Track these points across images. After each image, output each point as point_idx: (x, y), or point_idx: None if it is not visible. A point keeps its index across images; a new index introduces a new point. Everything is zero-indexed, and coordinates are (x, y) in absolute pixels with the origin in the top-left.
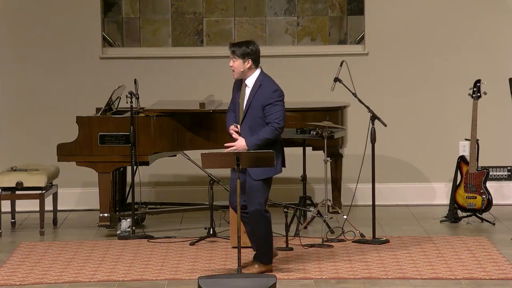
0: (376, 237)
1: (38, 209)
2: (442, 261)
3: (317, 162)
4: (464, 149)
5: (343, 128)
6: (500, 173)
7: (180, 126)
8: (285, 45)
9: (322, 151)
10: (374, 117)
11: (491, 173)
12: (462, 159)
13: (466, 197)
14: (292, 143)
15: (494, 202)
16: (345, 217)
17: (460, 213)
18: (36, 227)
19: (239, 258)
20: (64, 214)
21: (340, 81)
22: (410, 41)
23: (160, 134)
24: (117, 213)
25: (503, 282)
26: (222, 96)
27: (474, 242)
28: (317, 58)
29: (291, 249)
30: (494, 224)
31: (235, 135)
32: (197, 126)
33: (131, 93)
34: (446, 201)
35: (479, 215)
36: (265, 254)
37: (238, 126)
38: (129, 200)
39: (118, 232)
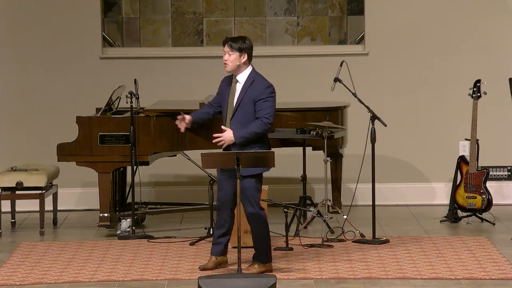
0: (376, 237)
1: (38, 209)
2: (442, 261)
3: (317, 162)
4: (464, 149)
5: (343, 128)
6: (500, 173)
7: None
8: (285, 45)
9: (322, 151)
10: (374, 117)
11: (491, 173)
12: (462, 159)
13: (466, 197)
14: (292, 143)
15: (494, 202)
16: (345, 217)
17: (460, 213)
18: (36, 227)
19: (239, 258)
20: (64, 214)
21: (340, 81)
22: (410, 41)
23: (160, 134)
24: (117, 213)
25: (503, 282)
26: None
27: (474, 242)
28: (317, 58)
29: (291, 249)
30: (494, 224)
31: (180, 120)
32: (197, 126)
33: (131, 93)
34: (446, 201)
35: (479, 215)
36: (264, 254)
37: (223, 127)
38: (129, 200)
39: (118, 232)
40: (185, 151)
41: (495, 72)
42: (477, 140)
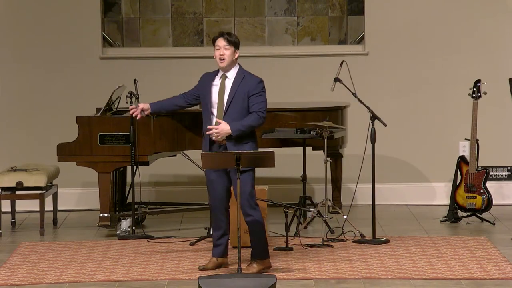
0: (376, 237)
1: (38, 209)
2: (442, 261)
3: (317, 162)
4: (464, 149)
5: (343, 128)
6: (500, 173)
7: (180, 126)
8: (285, 45)
9: (322, 151)
10: (374, 117)
11: (491, 173)
12: (462, 159)
13: (466, 197)
14: (292, 143)
15: (494, 202)
16: (345, 217)
17: (460, 213)
18: (36, 227)
19: (239, 258)
20: (64, 214)
21: (340, 81)
22: (410, 41)
23: (160, 134)
24: (117, 213)
25: (503, 282)
26: None
27: (474, 242)
28: (317, 58)
29: (291, 249)
30: (494, 224)
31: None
32: (197, 126)
33: (131, 93)
34: (446, 201)
35: (479, 215)
36: (262, 250)
37: (218, 120)
38: (129, 200)
39: (118, 232)
40: (185, 151)
41: (495, 72)
42: (477, 140)
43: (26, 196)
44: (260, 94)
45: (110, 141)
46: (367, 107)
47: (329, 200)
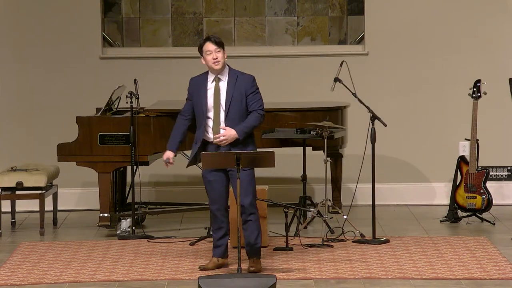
0: (376, 237)
1: (38, 209)
2: (442, 261)
3: (317, 162)
4: (464, 149)
5: (343, 128)
6: (500, 173)
7: None
8: (285, 45)
9: (322, 151)
10: (374, 117)
11: (491, 173)
12: (462, 159)
13: (466, 197)
14: (292, 143)
15: (494, 202)
16: (345, 217)
17: (460, 213)
18: (36, 227)
19: (239, 258)
20: (64, 214)
21: (340, 81)
22: (410, 41)
23: (160, 134)
24: (117, 213)
25: (503, 282)
26: None
27: (474, 242)
28: (317, 58)
29: (291, 249)
30: (494, 224)
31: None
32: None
33: (131, 93)
34: (446, 201)
35: (479, 215)
36: (259, 248)
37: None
38: (129, 200)
39: (118, 232)
40: (185, 151)
41: (495, 72)
42: (477, 140)
43: (26, 196)
44: (257, 92)
45: (110, 141)
46: (367, 107)
47: (329, 200)
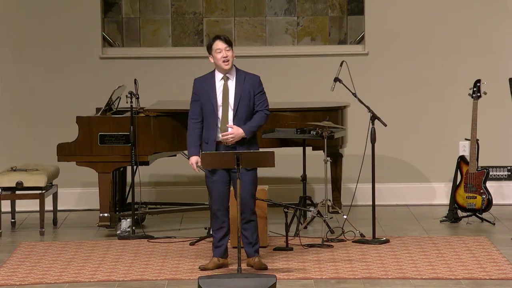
0: (376, 237)
1: (38, 209)
2: (442, 261)
3: (317, 162)
4: (464, 149)
5: (343, 128)
6: (500, 173)
7: (180, 126)
8: (285, 45)
9: (322, 151)
10: (374, 117)
11: (491, 173)
12: (462, 159)
13: (466, 197)
14: (292, 143)
15: (494, 202)
16: (345, 217)
17: (460, 213)
18: (36, 227)
19: (239, 258)
20: (64, 214)
21: (340, 81)
22: (410, 41)
23: (160, 134)
24: (117, 213)
25: (503, 282)
26: None
27: (474, 242)
28: (317, 58)
29: (291, 249)
30: (494, 224)
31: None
32: None
33: (131, 93)
34: (446, 201)
35: (479, 215)
36: (258, 247)
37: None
38: (129, 200)
39: (118, 232)
40: (185, 151)
41: (495, 72)
42: (477, 140)
43: (26, 196)
44: (263, 92)
45: (110, 141)
46: (367, 107)
47: (329, 200)
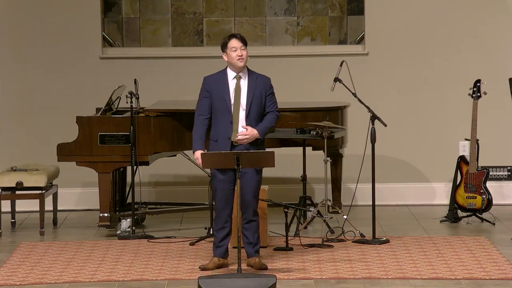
0: (376, 237)
1: (38, 209)
2: (442, 261)
3: (317, 162)
4: (464, 149)
5: (343, 128)
6: (500, 173)
7: (180, 126)
8: (285, 45)
9: (322, 151)
10: (374, 117)
11: (491, 173)
12: (462, 159)
13: (466, 197)
14: (292, 143)
15: (494, 202)
16: (345, 217)
17: (460, 213)
18: (36, 227)
19: (239, 258)
20: (64, 214)
21: (340, 81)
22: (410, 41)
23: (160, 134)
24: (117, 213)
25: (503, 282)
26: None
27: (474, 242)
28: (317, 58)
29: (291, 249)
30: (494, 224)
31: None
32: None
33: (131, 93)
34: (446, 201)
35: (479, 215)
36: (259, 247)
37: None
38: (129, 200)
39: (118, 232)
40: (185, 151)
41: (495, 72)
42: (477, 140)
43: (26, 196)
44: (273, 93)
45: (110, 141)
46: (367, 107)
47: (329, 200)
